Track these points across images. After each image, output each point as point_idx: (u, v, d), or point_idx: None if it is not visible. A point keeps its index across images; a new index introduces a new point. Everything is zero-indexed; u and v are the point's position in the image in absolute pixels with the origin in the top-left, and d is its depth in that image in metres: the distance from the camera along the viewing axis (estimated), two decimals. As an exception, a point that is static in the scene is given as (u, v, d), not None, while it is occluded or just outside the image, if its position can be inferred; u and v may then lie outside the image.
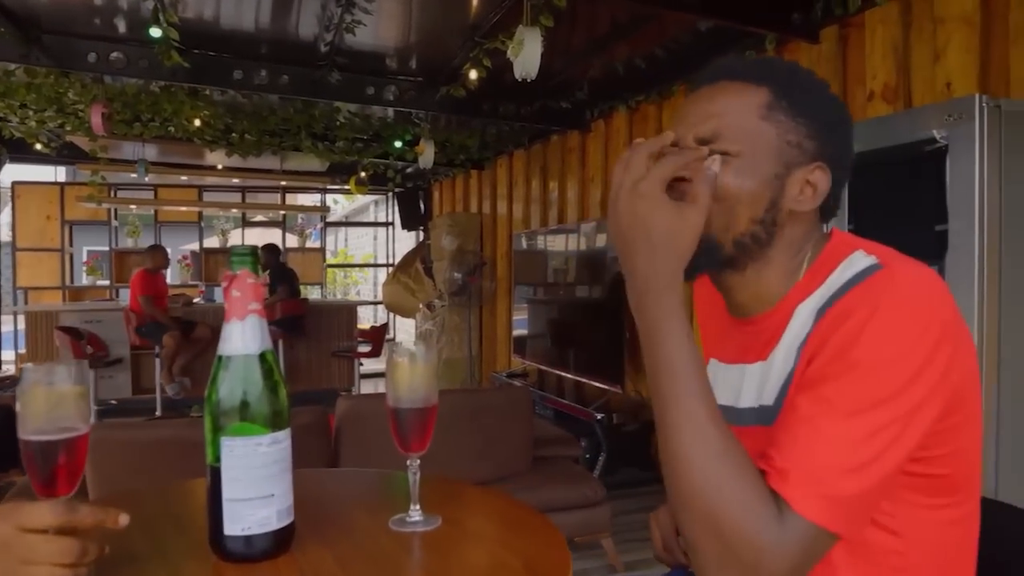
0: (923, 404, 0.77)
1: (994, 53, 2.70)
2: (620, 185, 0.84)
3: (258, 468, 0.86)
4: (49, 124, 5.79)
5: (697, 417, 0.79)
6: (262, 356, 0.89)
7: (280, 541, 0.89)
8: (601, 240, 4.84)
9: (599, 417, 4.33)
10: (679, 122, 0.94)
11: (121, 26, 4.09)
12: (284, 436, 0.89)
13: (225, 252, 10.33)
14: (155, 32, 3.58)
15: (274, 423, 0.88)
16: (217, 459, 0.87)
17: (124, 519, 0.82)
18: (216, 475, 0.86)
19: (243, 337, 0.88)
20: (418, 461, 1.00)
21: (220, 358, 0.88)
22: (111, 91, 5.03)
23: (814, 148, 0.91)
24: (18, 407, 0.80)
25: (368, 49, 4.38)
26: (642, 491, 4.05)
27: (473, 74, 3.91)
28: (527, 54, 2.80)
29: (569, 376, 5.13)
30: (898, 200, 2.34)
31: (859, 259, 0.87)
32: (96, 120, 4.64)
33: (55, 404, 0.82)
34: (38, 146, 6.63)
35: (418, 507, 1.01)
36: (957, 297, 1.79)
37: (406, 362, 0.99)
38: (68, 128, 5.88)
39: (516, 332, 6.39)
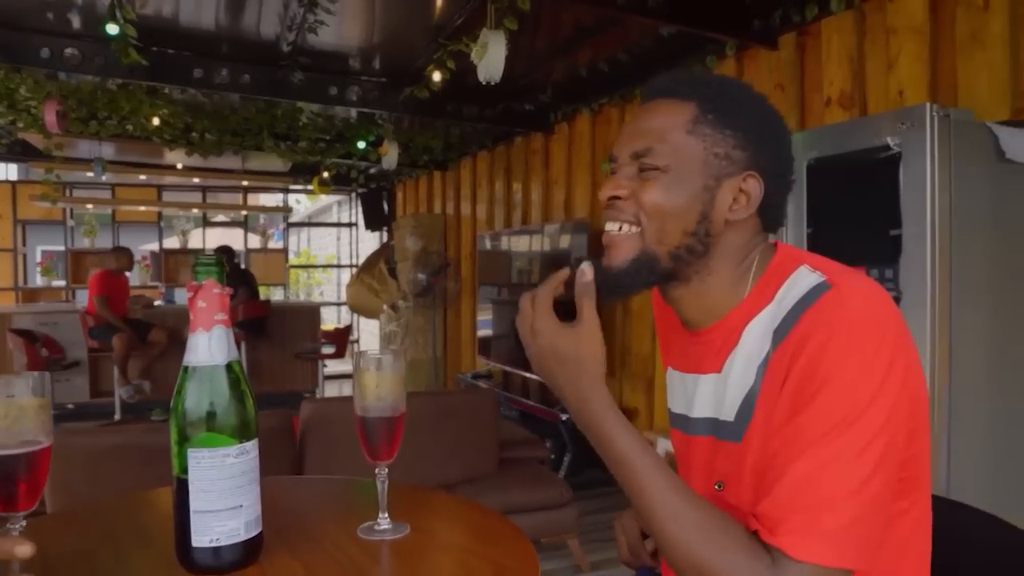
0: (893, 414, 0.80)
1: (942, 63, 2.78)
2: (523, 334, 0.92)
3: (226, 479, 0.86)
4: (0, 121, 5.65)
5: (665, 502, 0.83)
6: (228, 367, 0.89)
7: (249, 552, 0.89)
8: (565, 241, 4.87)
9: (564, 418, 4.36)
10: (618, 139, 0.97)
11: (76, 21, 4.00)
12: (252, 447, 0.89)
13: (185, 253, 10.17)
14: (112, 29, 3.51)
15: (242, 434, 0.88)
16: (184, 470, 0.86)
17: (25, 551, 0.77)
18: (183, 486, 0.86)
19: (209, 348, 0.87)
20: (386, 470, 1.01)
21: (186, 368, 0.88)
22: (65, 88, 4.92)
23: (744, 158, 0.93)
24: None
25: (331, 49, 4.35)
26: (607, 491, 4.09)
27: (437, 76, 3.90)
28: (491, 57, 2.81)
29: (533, 377, 5.15)
30: (854, 204, 2.40)
31: (805, 275, 0.89)
32: (50, 118, 4.54)
33: (15, 418, 0.80)
34: (-11, 143, 6.49)
35: (387, 515, 1.01)
36: (910, 298, 1.85)
37: (373, 370, 1.00)
38: (20, 125, 5.73)
39: (481, 333, 6.40)
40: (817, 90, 3.29)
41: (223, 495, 0.85)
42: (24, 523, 0.82)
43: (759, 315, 0.92)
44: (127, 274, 7.04)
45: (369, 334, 10.20)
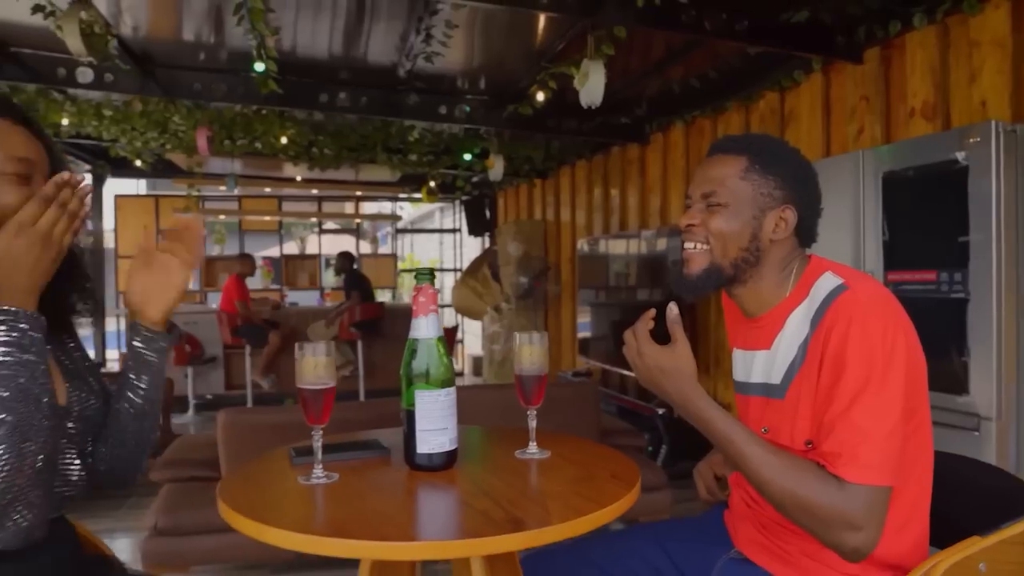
0: (901, 372, 1.15)
1: (1024, 76, 2.91)
2: (632, 362, 1.27)
3: (438, 411, 1.26)
4: (152, 144, 6.37)
5: (759, 457, 1.17)
6: (439, 339, 1.30)
7: (450, 459, 1.29)
8: (661, 246, 5.11)
9: (660, 412, 4.62)
10: (692, 183, 1.36)
11: (222, 58, 4.58)
12: (453, 391, 1.30)
13: (303, 257, 10.97)
14: (259, 67, 4.03)
15: (446, 383, 1.29)
16: (411, 404, 1.27)
17: (77, 178, 1.09)
18: (411, 415, 1.28)
19: (427, 327, 1.29)
20: (535, 411, 1.41)
21: (412, 340, 1.29)
22: (211, 115, 5.56)
23: (782, 195, 1.30)
24: (297, 367, 1.23)
25: (441, 72, 4.76)
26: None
27: (540, 96, 4.24)
28: (592, 85, 3.14)
29: (631, 375, 5.41)
30: (927, 213, 2.60)
31: (829, 279, 1.25)
32: (202, 143, 5.17)
33: (318, 367, 1.24)
34: (138, 163, 7.25)
35: (535, 443, 1.41)
36: (977, 300, 2.21)
37: (527, 343, 1.41)
38: (168, 147, 6.45)
39: (580, 333, 6.69)
40: (902, 101, 3.45)
41: (436, 421, 1.26)
42: (322, 432, 1.25)
43: (798, 307, 1.28)
44: (248, 278, 7.76)
45: (473, 335, 10.67)
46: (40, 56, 4.42)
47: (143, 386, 1.24)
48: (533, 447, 1.40)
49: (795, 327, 1.27)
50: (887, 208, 2.73)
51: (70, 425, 1.18)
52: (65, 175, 1.07)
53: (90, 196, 1.24)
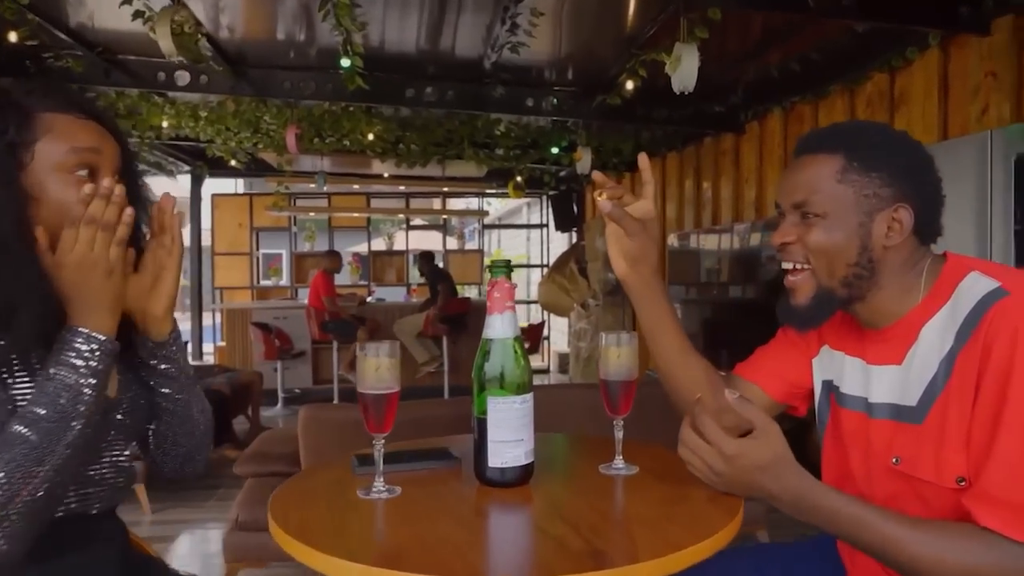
0: None
1: None
2: (710, 472, 1.04)
3: (513, 420, 1.13)
4: (245, 144, 6.52)
5: (900, 541, 0.97)
6: (516, 339, 1.16)
7: (526, 474, 1.16)
8: (755, 240, 4.86)
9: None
10: (779, 191, 1.15)
11: (311, 57, 4.61)
12: (530, 398, 1.16)
13: (390, 254, 11.09)
14: (345, 62, 4.02)
15: (522, 388, 1.15)
16: (483, 412, 1.14)
17: (105, 185, 1.01)
18: (482, 424, 1.14)
19: (503, 326, 1.16)
20: (622, 421, 1.25)
21: (486, 340, 1.16)
22: (300, 113, 5.63)
23: (891, 193, 1.08)
24: (358, 370, 1.12)
25: (528, 63, 4.65)
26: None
27: (630, 84, 4.07)
28: (685, 69, 2.95)
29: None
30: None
31: (978, 280, 1.03)
32: (291, 141, 5.23)
33: (380, 370, 1.12)
34: (232, 162, 7.45)
35: (620, 458, 1.25)
36: None
37: (615, 345, 1.26)
38: (261, 146, 6.59)
39: (670, 331, 6.46)
40: (1036, 77, 3.11)
41: (510, 431, 1.13)
42: (384, 441, 1.14)
43: (936, 315, 1.06)
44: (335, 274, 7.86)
45: (559, 332, 10.55)
46: (142, 62, 4.60)
47: (171, 393, 1.19)
48: (619, 461, 1.25)
49: (934, 339, 1.06)
50: (1019, 195, 2.44)
51: (119, 416, 1.15)
52: (87, 188, 1.00)
53: (162, 197, 1.17)
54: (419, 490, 1.15)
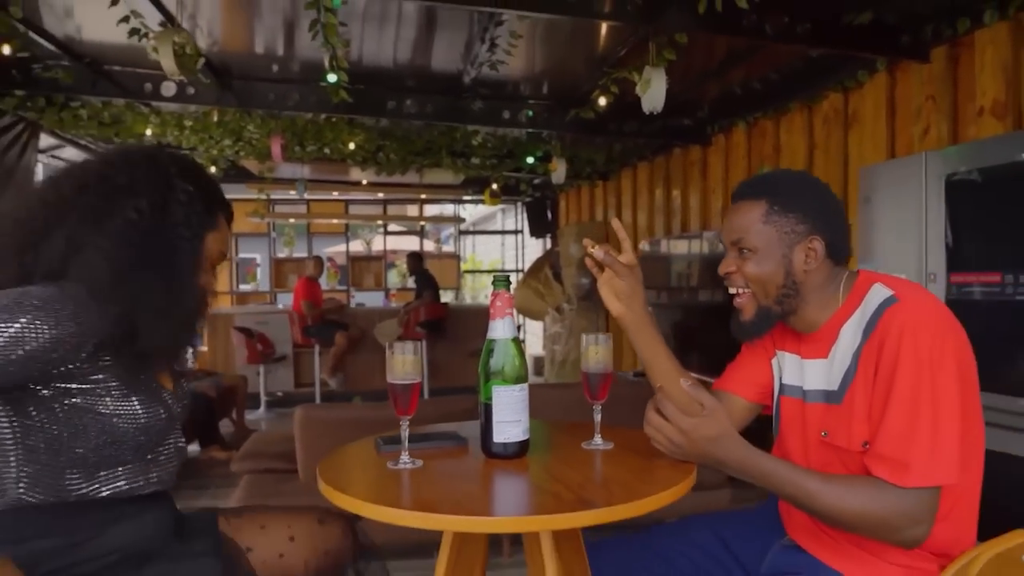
0: (951, 379, 1.21)
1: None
2: (669, 444, 1.30)
3: (512, 404, 1.38)
4: (227, 152, 6.66)
5: (813, 492, 1.24)
6: (513, 340, 1.42)
7: (523, 448, 1.41)
8: (722, 247, 5.10)
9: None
10: (723, 230, 1.46)
11: (294, 70, 4.80)
12: (526, 387, 1.41)
13: (368, 259, 11.27)
14: (332, 78, 4.21)
15: (520, 379, 1.40)
16: (489, 398, 1.39)
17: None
18: (488, 408, 1.39)
19: (503, 328, 1.41)
20: (600, 406, 1.51)
21: (490, 340, 1.41)
22: (283, 123, 5.81)
23: (806, 228, 1.38)
24: (388, 365, 1.36)
25: (505, 79, 4.88)
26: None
27: (602, 100, 4.32)
28: (654, 91, 3.20)
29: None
30: (993, 215, 2.59)
31: (879, 291, 1.32)
32: (276, 150, 5.41)
33: (407, 365, 1.38)
34: (212, 169, 7.55)
35: (599, 436, 1.51)
36: None
37: (594, 344, 1.52)
38: (242, 155, 6.74)
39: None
40: (970, 100, 3.40)
41: (511, 413, 1.38)
42: (408, 422, 1.38)
43: (850, 319, 1.35)
44: (318, 279, 8.04)
45: (533, 335, 10.78)
46: (128, 72, 4.72)
47: None
48: (598, 439, 1.51)
49: (849, 337, 1.34)
50: (951, 210, 2.73)
51: (179, 409, 1.40)
52: None
53: None
54: (438, 463, 1.40)
